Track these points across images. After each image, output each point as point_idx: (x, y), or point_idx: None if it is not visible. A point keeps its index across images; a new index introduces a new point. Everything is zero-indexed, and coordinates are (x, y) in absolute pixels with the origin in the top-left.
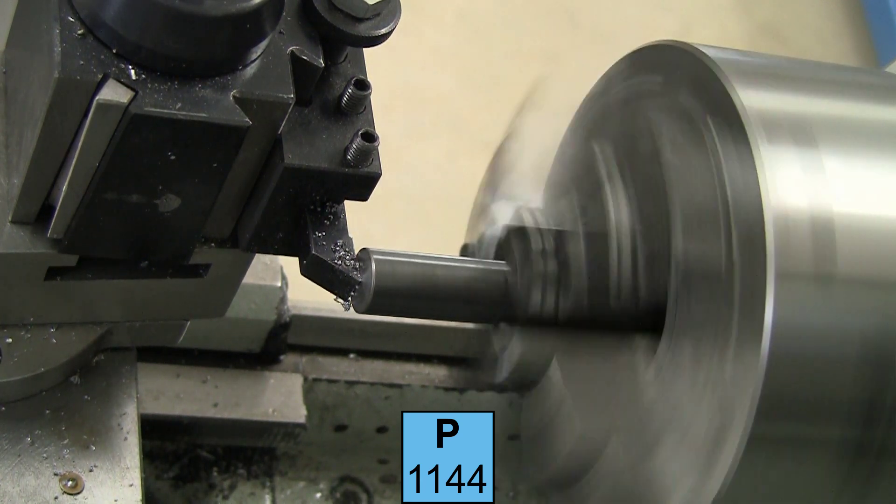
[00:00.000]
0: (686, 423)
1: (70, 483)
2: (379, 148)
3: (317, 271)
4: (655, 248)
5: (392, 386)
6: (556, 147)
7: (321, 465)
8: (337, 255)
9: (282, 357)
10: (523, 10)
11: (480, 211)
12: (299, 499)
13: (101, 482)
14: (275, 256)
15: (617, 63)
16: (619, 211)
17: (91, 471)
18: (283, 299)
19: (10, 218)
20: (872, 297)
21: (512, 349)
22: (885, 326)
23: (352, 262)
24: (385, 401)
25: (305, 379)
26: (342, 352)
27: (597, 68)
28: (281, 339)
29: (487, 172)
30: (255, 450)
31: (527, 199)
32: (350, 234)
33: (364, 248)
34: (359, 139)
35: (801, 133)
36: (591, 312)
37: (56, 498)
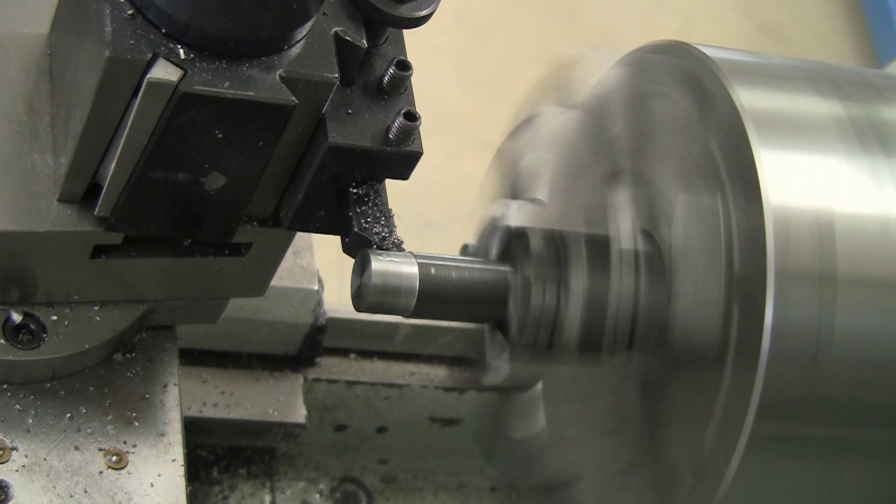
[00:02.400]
0: (684, 423)
1: (114, 458)
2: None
3: (359, 248)
4: (656, 249)
5: (392, 386)
6: (557, 146)
7: (321, 465)
8: (379, 233)
9: (318, 360)
10: (523, 10)
11: (481, 211)
12: (299, 499)
13: (145, 457)
14: (312, 260)
15: (616, 63)
16: (620, 211)
17: (135, 446)
18: (319, 302)
19: (57, 196)
20: (872, 297)
21: (499, 368)
22: (885, 326)
23: (394, 239)
24: (385, 401)
25: (305, 379)
26: (342, 352)
27: (596, 68)
28: (317, 342)
29: (489, 172)
30: (255, 450)
31: (528, 199)
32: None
33: (364, 248)
34: (401, 118)
35: (801, 132)
36: (586, 330)
37: (101, 472)
